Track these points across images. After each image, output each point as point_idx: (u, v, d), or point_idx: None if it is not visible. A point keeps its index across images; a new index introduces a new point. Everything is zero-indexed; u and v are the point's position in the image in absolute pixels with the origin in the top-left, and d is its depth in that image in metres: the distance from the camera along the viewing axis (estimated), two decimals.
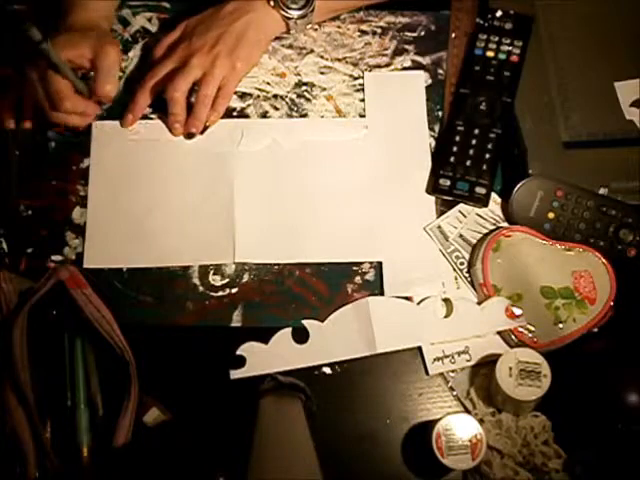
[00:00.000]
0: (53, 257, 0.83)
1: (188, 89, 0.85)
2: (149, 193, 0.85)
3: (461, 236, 0.83)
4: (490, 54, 0.89)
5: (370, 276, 0.82)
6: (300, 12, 0.87)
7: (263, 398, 0.73)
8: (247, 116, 0.89)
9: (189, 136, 0.87)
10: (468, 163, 0.84)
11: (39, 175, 0.86)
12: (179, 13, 0.93)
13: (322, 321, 0.79)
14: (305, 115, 0.89)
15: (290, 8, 0.87)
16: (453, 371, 0.79)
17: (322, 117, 0.89)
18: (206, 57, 0.84)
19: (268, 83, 0.91)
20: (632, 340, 0.77)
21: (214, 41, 0.85)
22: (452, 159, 0.84)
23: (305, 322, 0.79)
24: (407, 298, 0.81)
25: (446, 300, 0.80)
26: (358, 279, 0.82)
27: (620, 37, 0.88)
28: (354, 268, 0.83)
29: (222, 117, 0.87)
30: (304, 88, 0.91)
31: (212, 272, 0.82)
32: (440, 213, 0.84)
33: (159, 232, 0.83)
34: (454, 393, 0.78)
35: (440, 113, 0.89)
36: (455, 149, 0.85)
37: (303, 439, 0.68)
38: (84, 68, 0.83)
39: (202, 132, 0.87)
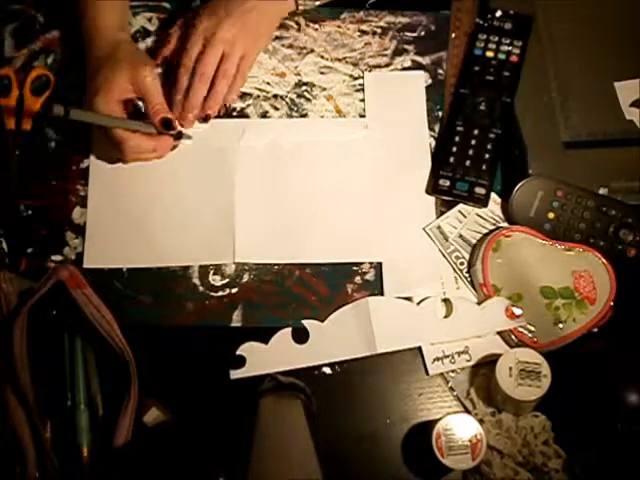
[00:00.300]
0: (53, 257, 0.83)
1: (217, 65, 0.85)
2: (149, 193, 0.85)
3: (461, 236, 0.83)
4: (490, 54, 0.89)
5: (370, 276, 0.82)
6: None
7: (263, 398, 0.73)
8: (247, 116, 0.89)
9: (205, 119, 0.86)
10: (468, 163, 0.84)
11: (39, 175, 0.86)
12: (179, 13, 0.93)
13: (322, 321, 0.79)
14: (305, 115, 0.89)
15: None
16: (453, 371, 0.79)
17: (322, 117, 0.89)
18: (228, 33, 0.84)
19: (268, 83, 0.91)
20: (632, 340, 0.77)
21: (237, 13, 0.85)
22: (452, 159, 0.84)
23: (305, 322, 0.79)
24: (407, 298, 0.81)
25: (446, 300, 0.80)
26: (358, 279, 0.82)
27: (620, 37, 0.88)
28: (354, 268, 0.83)
29: (222, 117, 0.87)
30: (304, 88, 0.91)
31: (212, 272, 0.82)
32: (440, 213, 0.84)
33: (159, 232, 0.84)
34: (454, 393, 0.78)
35: (440, 113, 0.89)
36: (455, 149, 0.85)
37: (303, 439, 0.68)
38: (137, 97, 0.83)
39: (220, 115, 0.87)
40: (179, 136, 0.85)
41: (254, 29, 0.87)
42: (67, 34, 0.92)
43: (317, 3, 0.92)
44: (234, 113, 0.89)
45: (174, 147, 0.86)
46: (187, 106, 0.85)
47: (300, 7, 0.91)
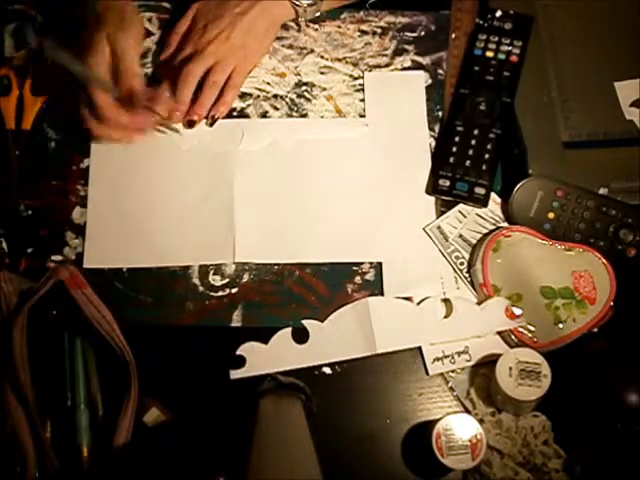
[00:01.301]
0: (53, 257, 0.83)
1: (201, 76, 0.84)
2: (149, 193, 0.85)
3: (461, 236, 0.83)
4: (490, 54, 0.89)
5: (370, 276, 0.82)
6: (310, 7, 0.88)
7: (263, 398, 0.73)
8: (247, 116, 0.89)
9: (190, 124, 0.86)
10: (467, 163, 0.84)
11: (39, 175, 0.86)
12: (180, 13, 0.93)
13: (322, 321, 0.79)
14: (305, 115, 0.89)
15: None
16: (453, 371, 0.79)
17: (322, 117, 0.89)
18: (221, 46, 0.84)
19: (268, 83, 0.90)
20: (632, 340, 0.77)
21: (228, 30, 0.85)
22: (451, 159, 0.84)
23: (305, 322, 0.79)
24: (407, 298, 0.81)
25: (446, 300, 0.80)
26: (358, 279, 0.82)
27: (620, 37, 0.88)
28: (354, 268, 0.83)
29: (222, 117, 0.87)
30: (304, 88, 0.91)
31: (212, 272, 0.82)
32: (440, 213, 0.84)
33: (159, 232, 0.84)
34: (454, 393, 0.78)
35: (440, 113, 0.89)
36: (455, 149, 0.85)
37: (303, 439, 0.68)
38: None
39: (211, 124, 0.87)
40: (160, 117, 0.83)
41: (246, 45, 0.86)
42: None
43: (317, 13, 0.92)
44: (234, 113, 0.89)
45: (156, 130, 0.85)
46: (172, 108, 0.84)
47: (300, 18, 0.91)
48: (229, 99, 0.87)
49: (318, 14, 0.92)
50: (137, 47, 0.82)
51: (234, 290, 0.82)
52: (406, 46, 0.92)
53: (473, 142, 0.85)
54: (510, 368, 0.73)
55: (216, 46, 0.84)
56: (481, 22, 0.91)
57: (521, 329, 0.78)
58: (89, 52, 0.80)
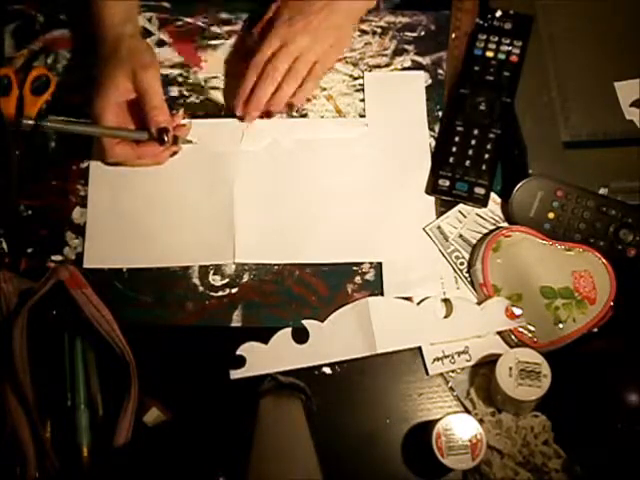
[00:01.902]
0: (53, 257, 0.83)
1: (289, 66, 0.84)
2: (149, 193, 0.85)
3: (461, 236, 0.83)
4: (490, 54, 0.89)
5: (370, 276, 0.82)
6: None
7: (263, 398, 0.73)
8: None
9: (267, 115, 0.86)
10: (467, 163, 0.84)
11: (39, 175, 0.86)
12: (180, 13, 0.93)
13: (322, 321, 0.79)
14: (305, 115, 0.89)
15: None
16: (453, 371, 0.79)
17: (322, 117, 0.89)
18: (306, 38, 0.84)
19: None
20: (632, 340, 0.77)
21: (315, 21, 0.85)
22: (451, 159, 0.84)
23: (305, 322, 0.79)
24: (407, 298, 0.81)
25: (446, 300, 0.80)
26: (358, 279, 0.82)
27: (620, 37, 0.88)
28: (354, 268, 0.83)
29: (223, 117, 0.88)
30: None
31: (212, 272, 0.82)
32: (440, 213, 0.84)
33: (159, 232, 0.84)
34: (454, 393, 0.78)
35: (440, 113, 0.89)
36: (454, 149, 0.85)
37: (303, 439, 0.68)
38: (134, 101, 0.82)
39: (288, 112, 0.87)
40: (175, 141, 0.83)
41: (330, 38, 0.86)
42: (68, 33, 0.92)
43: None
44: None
45: (174, 153, 0.85)
46: (251, 103, 0.85)
47: (381, 5, 0.92)
48: (309, 88, 0.87)
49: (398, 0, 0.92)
50: (159, 82, 0.82)
51: (234, 290, 0.82)
52: (406, 46, 0.92)
53: (473, 142, 0.85)
54: (510, 368, 0.73)
55: (301, 39, 0.84)
56: (481, 22, 0.91)
57: (521, 329, 0.78)
58: (102, 90, 0.80)
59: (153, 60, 0.83)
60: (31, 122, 0.77)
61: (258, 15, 0.90)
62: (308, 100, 0.89)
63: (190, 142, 0.85)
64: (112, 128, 0.80)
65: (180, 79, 0.91)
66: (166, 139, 0.80)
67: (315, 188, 0.86)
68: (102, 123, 0.80)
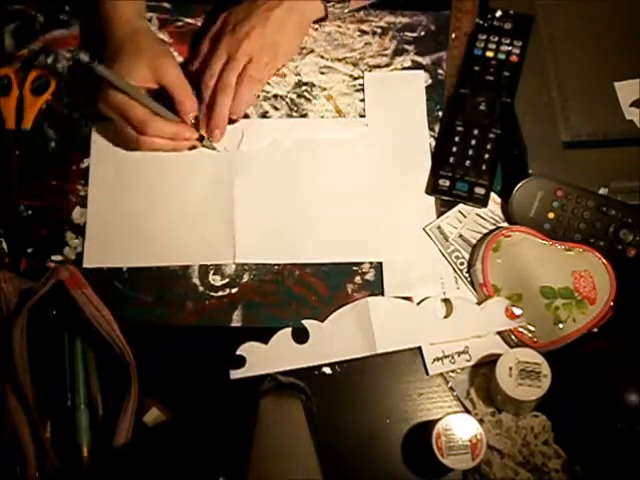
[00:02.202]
0: (53, 257, 0.83)
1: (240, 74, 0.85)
2: (149, 193, 0.85)
3: (461, 236, 0.83)
4: (490, 54, 0.89)
5: (370, 276, 0.82)
6: (338, 5, 0.89)
7: (263, 398, 0.73)
8: (247, 116, 0.89)
9: (230, 122, 0.86)
10: (467, 163, 0.84)
11: (39, 175, 0.86)
12: (180, 13, 0.93)
13: (322, 321, 0.79)
14: (305, 115, 0.89)
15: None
16: (453, 371, 0.79)
17: (322, 117, 0.89)
18: (252, 44, 0.84)
19: (268, 83, 0.90)
20: (632, 340, 0.77)
21: (259, 27, 0.85)
22: (451, 159, 0.84)
23: (305, 322, 0.79)
24: (407, 298, 0.81)
25: (446, 300, 0.80)
26: (358, 279, 0.82)
27: (620, 37, 0.88)
28: (354, 268, 0.83)
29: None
30: (304, 88, 0.91)
31: (212, 272, 0.82)
32: (440, 213, 0.84)
33: (159, 232, 0.84)
34: (454, 393, 0.78)
35: (440, 113, 0.89)
36: (454, 149, 0.85)
37: (303, 439, 0.68)
38: (151, 91, 0.83)
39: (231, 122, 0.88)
40: (201, 139, 0.85)
41: (276, 42, 0.86)
42: (68, 33, 0.92)
43: (346, 10, 0.91)
44: None
45: (193, 147, 0.86)
46: (213, 122, 0.84)
47: (330, 15, 0.91)
48: (260, 87, 0.88)
49: (347, 11, 0.91)
50: (180, 70, 0.84)
51: (234, 290, 0.82)
52: (406, 46, 0.92)
53: (473, 142, 0.85)
54: (510, 368, 0.73)
55: (247, 47, 0.84)
56: (481, 22, 0.91)
57: (521, 329, 0.78)
58: (131, 74, 0.81)
59: (172, 55, 0.86)
60: (87, 59, 0.77)
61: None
62: (308, 101, 0.89)
63: (213, 149, 0.86)
64: (150, 98, 0.81)
65: None
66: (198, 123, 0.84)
67: (315, 188, 0.86)
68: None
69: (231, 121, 0.86)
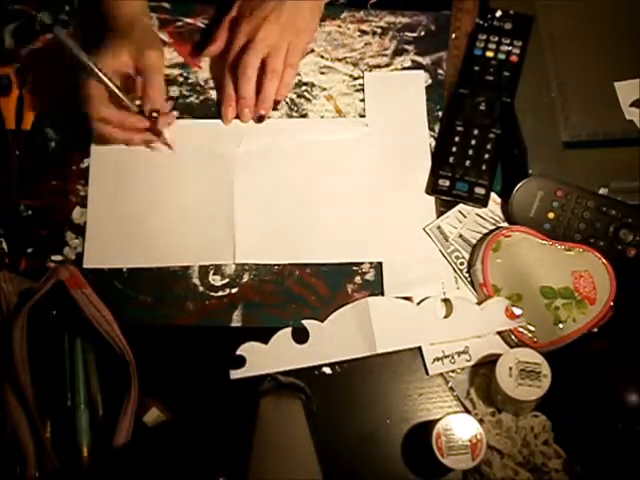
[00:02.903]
0: (53, 257, 0.83)
1: (258, 66, 0.84)
2: (149, 193, 0.85)
3: (461, 236, 0.83)
4: (490, 54, 0.89)
5: (370, 276, 0.82)
6: None
7: (263, 398, 0.73)
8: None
9: (259, 120, 0.87)
10: (467, 163, 0.84)
11: (39, 175, 0.86)
12: (180, 13, 0.93)
13: (322, 321, 0.79)
14: (305, 115, 0.89)
15: None
16: (453, 371, 0.79)
17: (322, 117, 0.89)
18: (271, 28, 0.84)
19: None
20: (632, 340, 0.77)
21: (276, 11, 0.84)
22: (451, 159, 0.84)
23: (305, 322, 0.79)
24: (407, 298, 0.81)
25: (446, 300, 0.80)
26: (358, 279, 0.82)
27: (620, 37, 0.88)
28: (354, 268, 0.83)
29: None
30: (304, 88, 0.91)
31: (212, 272, 0.82)
32: (440, 213, 0.84)
33: (159, 232, 0.83)
34: (454, 393, 0.78)
35: (440, 113, 0.89)
36: (454, 149, 0.85)
37: (303, 439, 0.68)
38: (130, 75, 0.83)
39: (275, 108, 0.87)
40: (158, 133, 0.83)
41: (295, 24, 0.86)
42: (68, 33, 0.92)
43: None
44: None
45: (148, 142, 0.85)
46: (239, 105, 0.85)
47: None
48: (289, 80, 0.87)
49: None
50: (163, 66, 0.84)
51: (234, 290, 0.82)
52: (406, 46, 0.92)
53: (473, 142, 0.85)
54: (510, 368, 0.73)
55: (266, 30, 0.84)
56: (481, 22, 0.91)
57: (521, 329, 0.78)
58: (102, 56, 0.80)
59: (161, 47, 0.86)
60: (48, 21, 0.78)
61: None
62: (308, 101, 0.89)
63: (170, 147, 0.85)
64: (110, 79, 0.79)
65: (180, 79, 0.90)
66: (155, 116, 0.81)
67: (315, 188, 0.86)
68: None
69: (261, 118, 0.87)
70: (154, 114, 0.81)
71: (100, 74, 0.79)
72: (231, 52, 0.86)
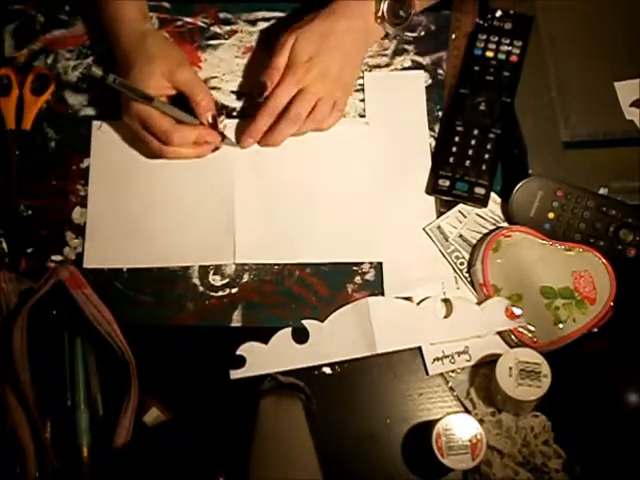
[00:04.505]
0: (53, 257, 0.83)
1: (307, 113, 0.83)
2: (149, 193, 0.85)
3: (461, 236, 0.83)
4: (490, 54, 0.89)
5: (370, 276, 0.82)
6: (399, 27, 0.87)
7: (263, 398, 0.73)
8: (247, 116, 0.89)
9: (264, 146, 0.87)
10: (467, 163, 0.84)
11: (39, 175, 0.86)
12: (180, 13, 0.93)
13: (322, 321, 0.79)
14: None
15: (392, 25, 0.86)
16: (453, 371, 0.79)
17: None
18: (326, 82, 0.82)
19: None
20: (632, 340, 0.77)
21: (334, 65, 0.83)
22: (451, 159, 0.84)
23: (305, 322, 0.79)
24: (407, 298, 0.81)
25: (446, 300, 0.80)
26: (358, 279, 0.82)
27: (620, 37, 0.88)
28: (354, 268, 0.83)
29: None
30: None
31: (212, 272, 0.82)
32: (440, 213, 0.84)
33: (159, 232, 0.84)
34: (454, 393, 0.78)
35: (440, 113, 0.89)
36: (454, 149, 0.85)
37: (303, 439, 0.68)
38: (169, 97, 0.83)
39: None
40: (222, 137, 0.85)
41: (350, 80, 0.86)
42: (68, 33, 0.92)
43: (405, 31, 0.91)
44: (234, 113, 0.89)
45: (216, 149, 0.85)
46: (264, 141, 0.85)
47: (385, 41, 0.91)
48: (332, 122, 0.87)
49: (405, 25, 0.88)
50: (194, 71, 0.85)
51: (234, 290, 0.82)
52: (406, 46, 0.92)
53: (473, 142, 0.85)
54: (510, 368, 0.73)
55: (322, 85, 0.82)
56: (481, 22, 0.91)
57: (521, 329, 0.78)
58: (146, 85, 0.81)
59: (183, 55, 0.86)
60: (99, 72, 0.78)
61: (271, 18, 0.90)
62: None
63: (235, 145, 0.86)
64: (170, 106, 0.81)
65: None
66: (213, 122, 0.84)
67: (315, 188, 0.86)
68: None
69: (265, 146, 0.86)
70: (211, 120, 0.83)
71: (161, 106, 0.80)
72: (277, 97, 0.82)
